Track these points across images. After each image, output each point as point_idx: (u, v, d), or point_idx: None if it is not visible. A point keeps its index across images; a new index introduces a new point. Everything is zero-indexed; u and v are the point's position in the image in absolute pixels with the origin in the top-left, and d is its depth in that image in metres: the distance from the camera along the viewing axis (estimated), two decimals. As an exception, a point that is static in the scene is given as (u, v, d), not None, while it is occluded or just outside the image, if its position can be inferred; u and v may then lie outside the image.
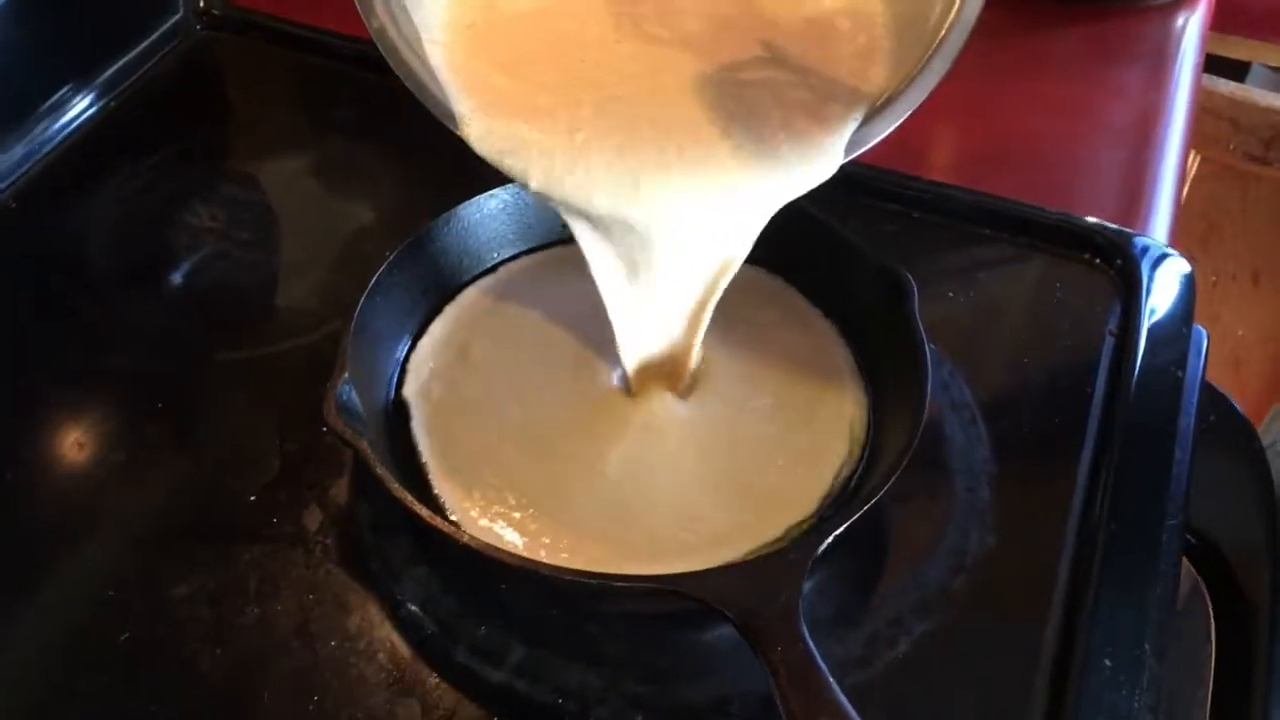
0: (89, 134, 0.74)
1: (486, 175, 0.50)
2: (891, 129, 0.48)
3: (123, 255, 0.68)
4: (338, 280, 0.65)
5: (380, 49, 0.47)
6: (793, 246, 0.60)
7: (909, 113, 0.48)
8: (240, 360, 0.62)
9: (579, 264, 0.51)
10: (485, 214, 0.63)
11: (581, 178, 0.47)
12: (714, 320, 0.54)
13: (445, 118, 0.48)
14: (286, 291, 0.67)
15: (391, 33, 0.47)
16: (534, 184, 0.47)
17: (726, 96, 0.48)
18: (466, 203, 0.62)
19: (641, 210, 0.47)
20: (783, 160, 0.47)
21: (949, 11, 0.47)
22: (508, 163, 0.47)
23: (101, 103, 0.76)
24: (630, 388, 0.56)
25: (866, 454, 0.54)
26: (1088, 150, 0.78)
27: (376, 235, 0.68)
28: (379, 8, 0.47)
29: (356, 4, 0.46)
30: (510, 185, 0.61)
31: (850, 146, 0.48)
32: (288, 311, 0.65)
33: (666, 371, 0.55)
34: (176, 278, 0.66)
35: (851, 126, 0.48)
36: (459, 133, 0.47)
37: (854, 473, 0.54)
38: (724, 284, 0.52)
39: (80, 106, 0.75)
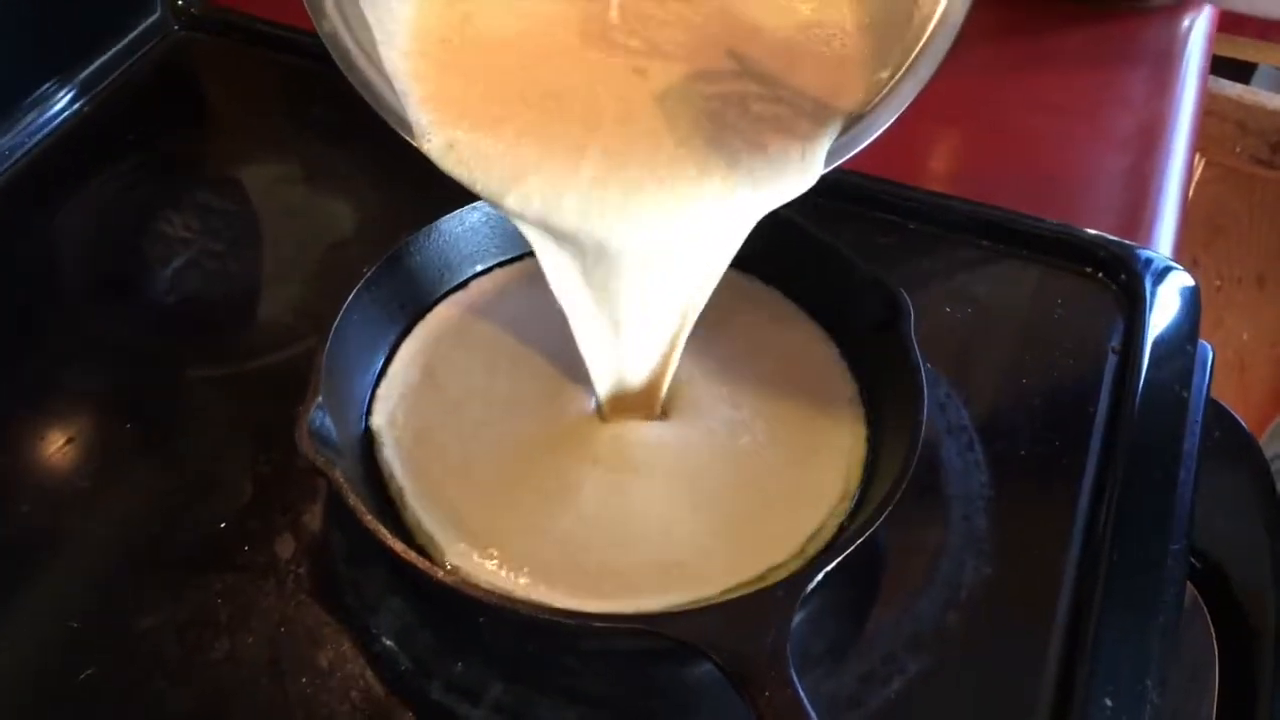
0: (62, 138, 0.72)
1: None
2: (872, 138, 0.46)
3: (93, 266, 0.66)
4: (315, 293, 0.63)
5: (332, 54, 0.45)
6: (784, 257, 0.59)
7: (890, 122, 0.46)
8: (212, 378, 0.60)
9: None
10: (467, 227, 0.61)
11: (550, 196, 0.44)
12: (699, 328, 0.52)
13: (403, 128, 0.45)
14: (262, 305, 0.64)
15: (345, 37, 0.44)
16: (504, 201, 0.45)
17: (701, 114, 0.46)
18: (448, 216, 0.60)
19: (610, 229, 0.45)
20: (755, 175, 0.45)
21: (932, 14, 0.45)
22: (471, 178, 0.45)
23: (76, 106, 0.74)
24: (603, 413, 0.54)
25: (860, 488, 0.52)
26: (1090, 157, 0.76)
27: (356, 245, 0.66)
28: (329, 8, 0.44)
29: (306, 5, 0.44)
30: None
31: (830, 156, 0.46)
32: (263, 327, 0.63)
33: (641, 399, 0.53)
34: (148, 290, 0.64)
35: (828, 138, 0.45)
36: (418, 145, 0.45)
37: (846, 505, 0.52)
38: (697, 308, 0.50)
39: (54, 109, 0.73)
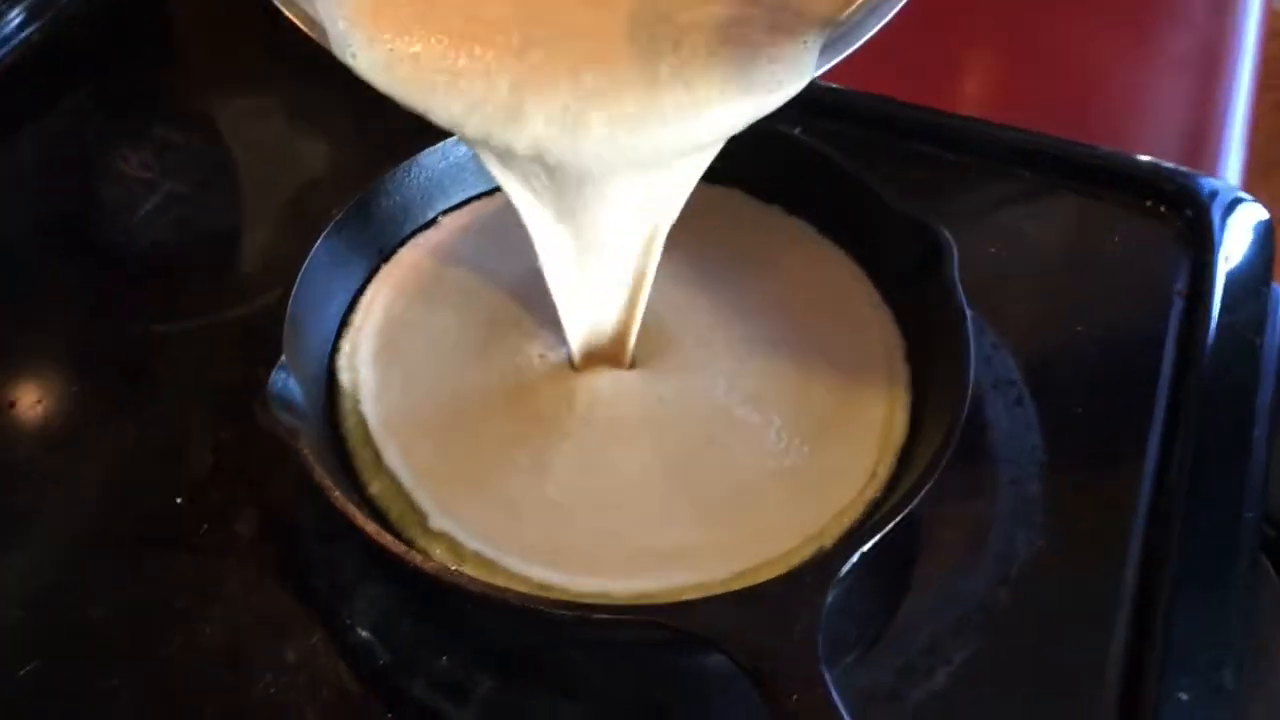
0: (7, 69, 0.65)
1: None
2: (876, 28, 0.39)
3: (39, 209, 0.60)
4: (286, 239, 0.57)
5: None
6: (810, 190, 0.53)
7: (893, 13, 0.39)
8: (170, 333, 0.54)
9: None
10: (451, 162, 0.54)
11: (498, 113, 0.39)
12: (711, 262, 0.49)
13: (324, 38, 0.40)
14: (227, 253, 0.59)
15: None
16: (442, 120, 0.40)
17: (674, 16, 0.39)
18: (427, 150, 0.53)
19: (588, 147, 0.39)
20: (742, 77, 0.39)
21: None
22: (423, 102, 0.39)
23: (24, 33, 0.67)
24: (575, 363, 0.49)
25: (896, 454, 0.46)
26: (1146, 79, 0.69)
27: (331, 187, 0.61)
28: None
29: None
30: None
31: (826, 52, 0.39)
32: (227, 277, 0.57)
33: (613, 344, 0.48)
34: (100, 236, 0.59)
35: (820, 33, 0.39)
36: (344, 59, 0.40)
37: (882, 472, 0.46)
38: (663, 232, 0.45)
39: (-2, 35, 0.66)
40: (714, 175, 0.53)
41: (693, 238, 0.51)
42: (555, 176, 0.42)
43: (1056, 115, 0.64)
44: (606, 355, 0.49)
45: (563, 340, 0.49)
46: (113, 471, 0.49)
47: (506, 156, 0.41)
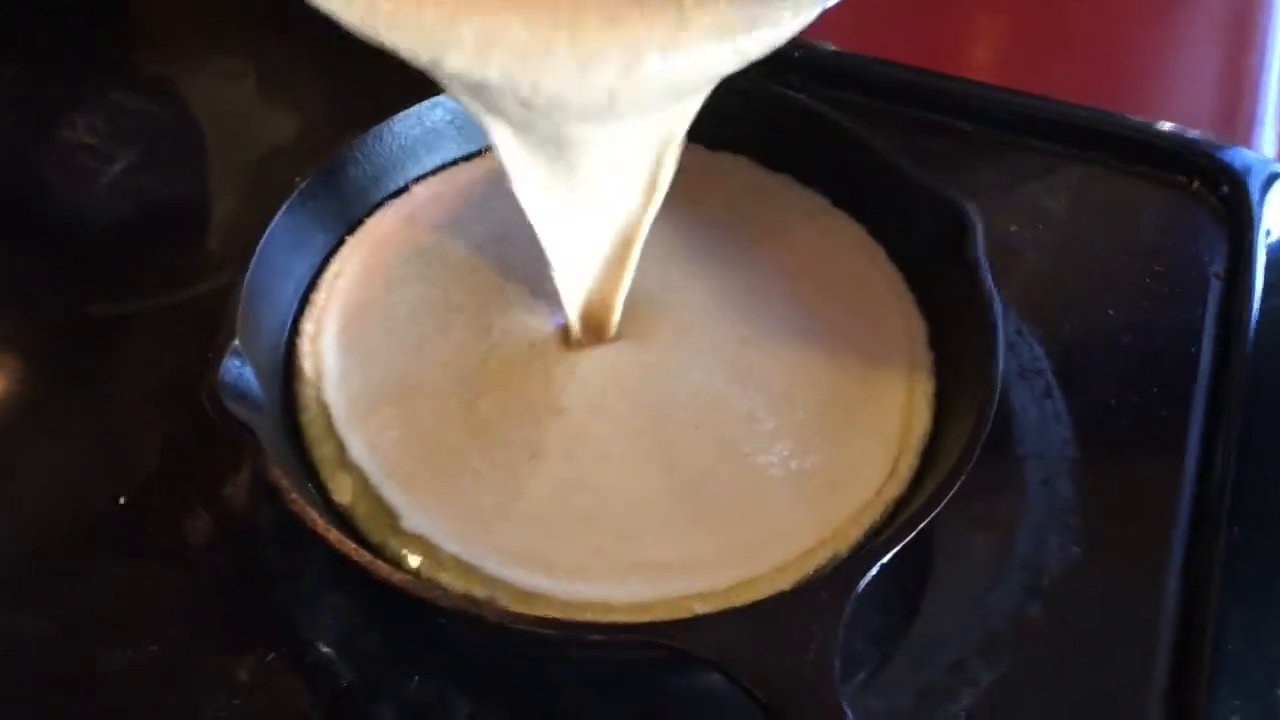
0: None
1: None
2: None
3: (-24, 180, 0.56)
4: (245, 214, 0.53)
5: None
6: (825, 163, 0.49)
7: None
8: (117, 316, 0.50)
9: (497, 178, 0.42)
10: (427, 127, 0.50)
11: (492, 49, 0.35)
12: (717, 233, 0.46)
13: None
14: (180, 228, 0.54)
15: None
16: (457, 67, 0.35)
17: None
18: (403, 114, 0.49)
19: (594, 86, 0.35)
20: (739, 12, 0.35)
21: None
22: (407, 40, 0.35)
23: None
24: (572, 333, 0.45)
25: (919, 448, 0.42)
26: (1172, 45, 0.65)
27: (297, 155, 0.56)
28: None
29: None
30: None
31: None
32: (180, 255, 0.53)
33: (603, 308, 0.44)
34: (43, 208, 0.55)
35: None
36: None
37: (904, 469, 0.41)
38: (666, 180, 0.41)
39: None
40: (722, 142, 0.49)
41: (698, 208, 0.48)
42: (556, 123, 0.37)
43: (1076, 84, 0.60)
44: (598, 328, 0.45)
45: (548, 314, 0.45)
46: (47, 469, 0.45)
47: (502, 105, 0.37)
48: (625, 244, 0.43)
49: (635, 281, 0.44)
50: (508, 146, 0.39)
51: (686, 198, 0.42)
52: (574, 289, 0.44)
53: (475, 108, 0.38)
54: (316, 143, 0.55)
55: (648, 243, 0.43)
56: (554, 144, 0.38)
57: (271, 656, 0.39)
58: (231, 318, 0.41)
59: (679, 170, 0.41)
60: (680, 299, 0.46)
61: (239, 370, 0.40)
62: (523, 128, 0.38)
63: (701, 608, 0.37)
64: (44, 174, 0.55)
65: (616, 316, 0.44)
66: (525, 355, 0.44)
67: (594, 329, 0.45)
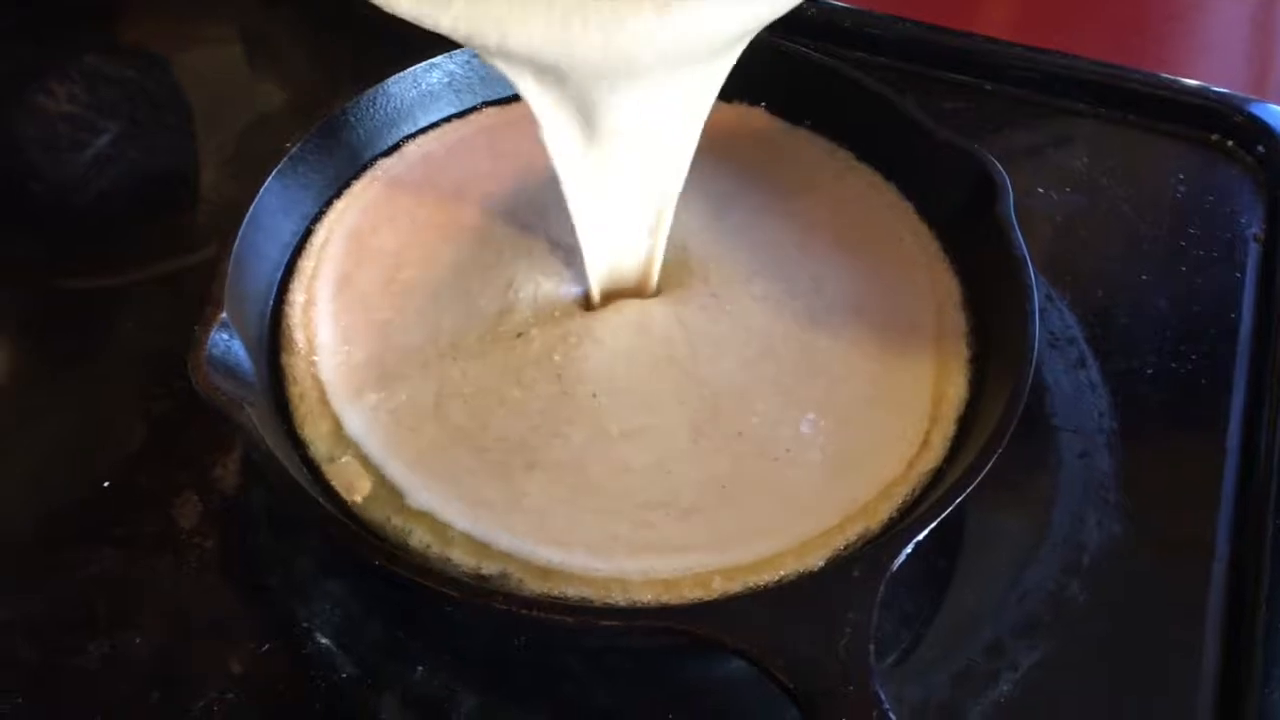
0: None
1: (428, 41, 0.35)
2: None
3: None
4: (233, 182, 0.52)
5: None
6: (849, 122, 0.47)
7: None
8: (100, 290, 0.48)
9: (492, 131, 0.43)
10: (423, 90, 0.48)
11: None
12: (744, 188, 0.44)
13: None
14: (166, 199, 0.52)
15: None
16: (445, 22, 0.34)
17: None
18: (397, 76, 0.47)
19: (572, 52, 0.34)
20: None
21: None
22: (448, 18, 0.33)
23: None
24: (591, 298, 0.43)
25: (955, 422, 0.39)
26: None
27: (287, 121, 0.54)
28: None
29: None
30: (456, 53, 0.48)
31: None
32: (166, 226, 0.51)
33: (640, 266, 0.42)
34: (21, 179, 0.53)
35: None
36: None
37: (938, 438, 0.39)
38: (695, 134, 0.39)
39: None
40: (737, 94, 0.47)
41: (723, 162, 0.45)
42: (591, 80, 0.35)
43: (1099, 40, 0.58)
44: (626, 288, 0.43)
45: (559, 280, 0.43)
46: (28, 452, 0.43)
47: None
48: (656, 212, 0.41)
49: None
50: (545, 112, 0.37)
51: (709, 149, 0.39)
52: (599, 256, 0.41)
53: (514, 73, 0.36)
54: (307, 109, 0.52)
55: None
56: (584, 107, 0.36)
57: (266, 648, 0.38)
58: (219, 289, 0.39)
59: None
60: (706, 259, 0.44)
61: (227, 343, 0.38)
62: (556, 91, 0.36)
63: (723, 583, 0.35)
64: (23, 141, 0.53)
65: (655, 275, 0.43)
66: (538, 319, 0.42)
67: (631, 290, 0.43)
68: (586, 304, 0.43)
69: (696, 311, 0.42)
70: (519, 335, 0.41)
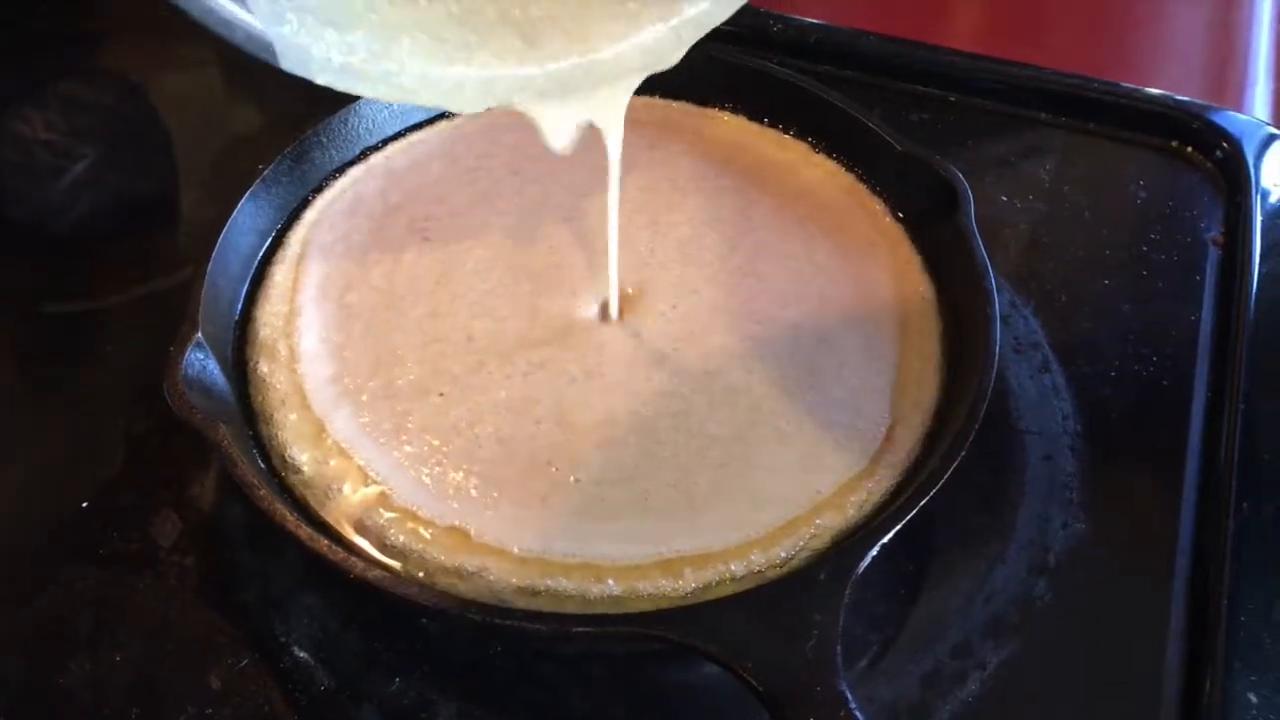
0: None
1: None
2: None
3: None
4: (209, 204, 0.52)
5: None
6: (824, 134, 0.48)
7: None
8: (77, 313, 0.49)
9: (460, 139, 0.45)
10: (395, 110, 0.49)
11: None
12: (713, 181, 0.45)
13: (262, 49, 0.35)
14: (142, 222, 0.53)
15: None
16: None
17: None
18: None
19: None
20: None
21: None
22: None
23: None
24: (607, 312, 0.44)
25: (926, 423, 0.40)
26: (1158, 6, 0.63)
27: (262, 143, 0.54)
28: None
29: None
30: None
31: None
32: (142, 248, 0.52)
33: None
34: None
35: None
36: (284, 65, 0.35)
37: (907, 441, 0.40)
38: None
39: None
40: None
41: (699, 161, 0.46)
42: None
43: (1060, 51, 0.59)
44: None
45: (544, 279, 0.44)
46: (9, 473, 0.44)
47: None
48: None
49: (627, 247, 0.43)
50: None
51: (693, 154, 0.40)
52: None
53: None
54: (283, 130, 0.53)
55: (650, 194, 0.43)
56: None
57: (244, 662, 0.38)
58: (194, 309, 0.39)
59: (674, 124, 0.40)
60: (681, 260, 0.45)
61: (202, 363, 0.38)
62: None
63: (693, 572, 0.36)
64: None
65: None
66: (520, 324, 0.43)
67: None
68: (566, 310, 0.43)
69: (669, 315, 0.43)
70: (502, 336, 0.42)
